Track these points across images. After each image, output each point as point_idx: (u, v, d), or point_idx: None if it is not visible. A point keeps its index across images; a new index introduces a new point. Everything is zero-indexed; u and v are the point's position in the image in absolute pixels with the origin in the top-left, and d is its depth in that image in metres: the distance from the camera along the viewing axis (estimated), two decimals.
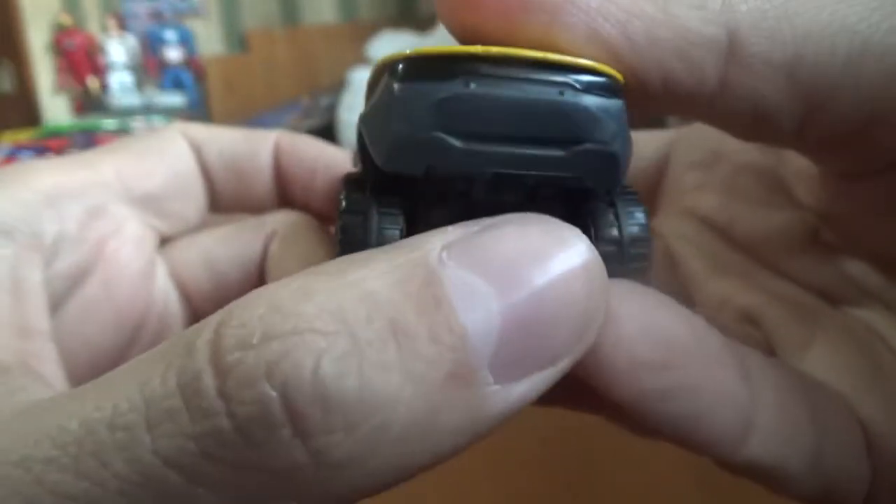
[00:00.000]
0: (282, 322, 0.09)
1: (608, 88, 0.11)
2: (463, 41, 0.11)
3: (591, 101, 0.10)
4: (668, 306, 0.13)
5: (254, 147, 0.22)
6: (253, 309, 0.10)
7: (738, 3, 0.11)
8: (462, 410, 0.10)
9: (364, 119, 0.11)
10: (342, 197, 0.12)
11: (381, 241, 0.11)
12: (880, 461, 0.15)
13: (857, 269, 0.17)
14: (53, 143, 1.43)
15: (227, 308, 0.10)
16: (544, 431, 0.31)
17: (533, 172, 0.11)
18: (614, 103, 0.11)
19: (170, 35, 1.69)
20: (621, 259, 0.12)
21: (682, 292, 0.20)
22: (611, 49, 0.11)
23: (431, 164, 0.10)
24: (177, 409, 0.09)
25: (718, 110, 0.12)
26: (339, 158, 0.22)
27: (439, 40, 1.16)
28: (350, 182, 0.12)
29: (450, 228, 0.11)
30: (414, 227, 0.12)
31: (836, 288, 0.17)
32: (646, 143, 0.22)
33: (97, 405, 0.10)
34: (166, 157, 0.21)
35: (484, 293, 0.10)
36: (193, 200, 0.22)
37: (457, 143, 0.10)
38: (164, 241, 0.22)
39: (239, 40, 1.84)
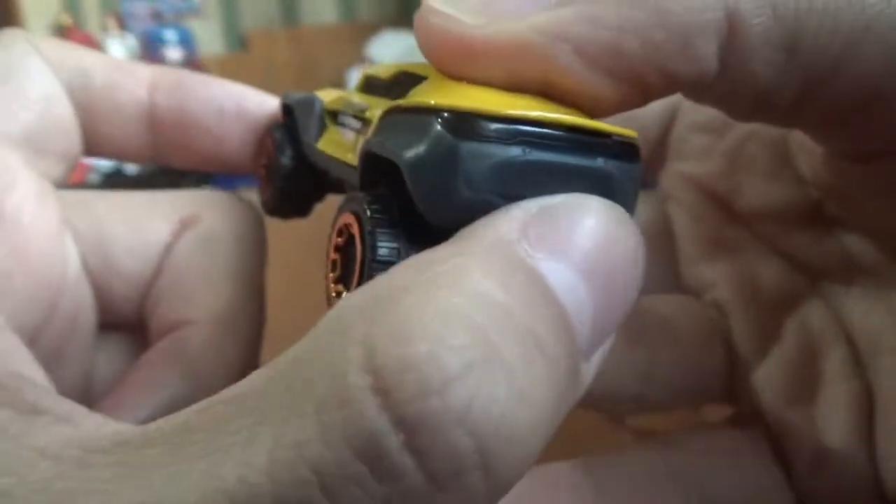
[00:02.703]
0: (456, 359, 0.09)
1: (631, 153, 0.12)
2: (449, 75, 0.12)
3: (618, 168, 0.11)
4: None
5: (116, 79, 0.18)
6: (408, 345, 0.09)
7: None
8: (572, 395, 0.10)
9: (414, 167, 0.11)
10: (371, 232, 0.11)
11: None
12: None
13: (855, 244, 0.17)
14: None
15: (359, 339, 0.09)
16: None
17: None
18: (636, 167, 0.12)
19: (170, 35, 1.69)
20: None
21: (670, 266, 0.20)
22: (609, 71, 0.11)
23: (473, 219, 0.11)
24: (359, 474, 0.09)
25: (717, 93, 0.12)
26: (252, 97, 0.19)
27: None
28: (374, 209, 0.12)
29: (513, 211, 0.10)
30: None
31: (828, 264, 0.17)
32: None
33: (239, 476, 0.09)
34: (32, 81, 0.17)
35: (577, 285, 0.10)
36: (72, 134, 0.18)
37: (501, 203, 0.11)
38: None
39: (239, 40, 1.84)
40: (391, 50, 1.22)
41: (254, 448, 0.09)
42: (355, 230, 0.12)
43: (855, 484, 0.16)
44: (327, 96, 0.17)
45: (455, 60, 0.11)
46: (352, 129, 0.14)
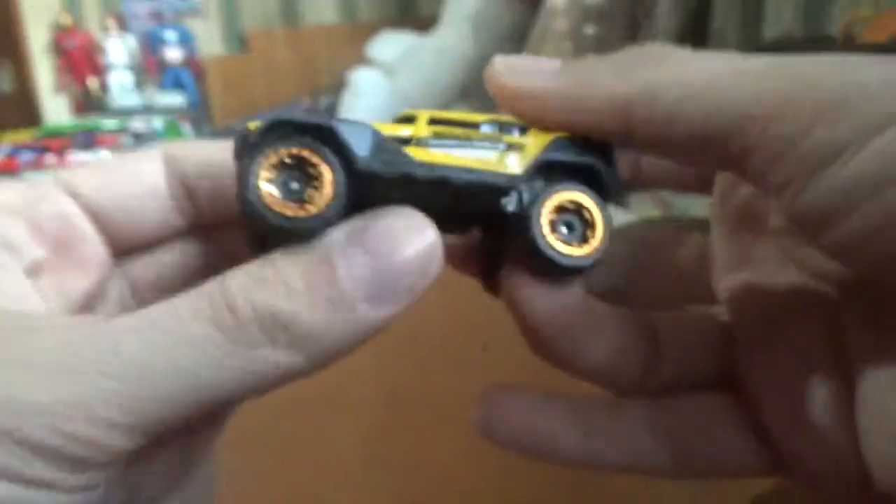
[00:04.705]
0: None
1: (610, 155, 0.20)
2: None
3: (603, 165, 0.20)
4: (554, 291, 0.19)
5: (226, 154, 0.22)
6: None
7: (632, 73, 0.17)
8: (348, 323, 0.17)
9: (588, 167, 0.19)
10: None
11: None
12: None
13: None
14: (53, 143, 1.42)
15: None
16: None
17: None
18: (614, 165, 0.20)
19: (170, 35, 1.69)
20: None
21: (703, 272, 0.24)
22: (585, 114, 0.19)
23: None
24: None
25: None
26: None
27: (439, 40, 1.16)
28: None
29: (354, 221, 0.18)
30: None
31: (840, 275, 0.20)
32: None
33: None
34: (132, 172, 0.22)
35: (362, 261, 0.17)
36: (154, 212, 0.23)
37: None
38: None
39: (239, 40, 1.84)
40: (391, 50, 1.22)
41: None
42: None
43: (834, 462, 0.18)
44: (385, 129, 0.19)
45: (499, 96, 0.20)
46: (488, 149, 0.19)
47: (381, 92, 1.14)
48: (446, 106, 1.15)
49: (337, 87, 1.37)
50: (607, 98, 0.18)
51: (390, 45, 1.25)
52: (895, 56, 0.14)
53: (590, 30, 0.91)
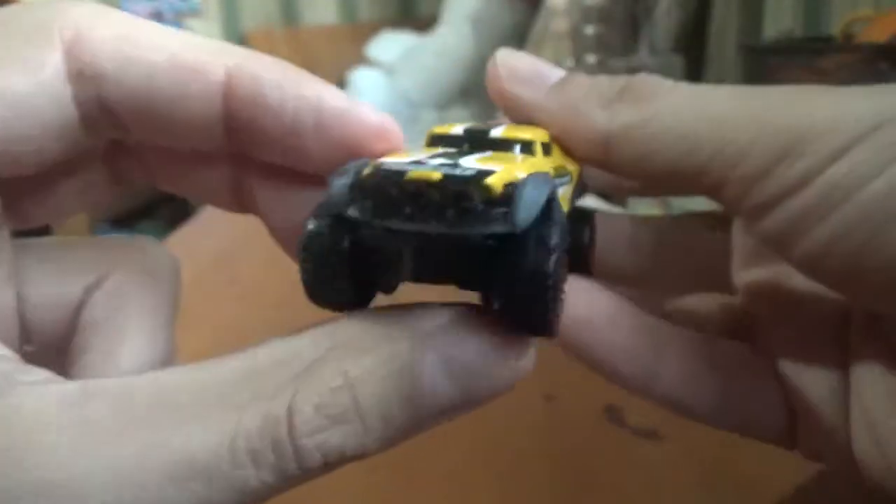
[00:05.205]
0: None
1: (569, 174, 0.20)
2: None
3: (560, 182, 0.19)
4: (601, 296, 0.20)
5: (183, 87, 0.17)
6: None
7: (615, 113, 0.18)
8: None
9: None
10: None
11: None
12: (802, 413, 0.20)
13: None
14: None
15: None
16: (547, 433, 0.31)
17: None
18: (568, 179, 0.20)
19: None
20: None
21: (722, 271, 0.24)
22: (568, 135, 0.19)
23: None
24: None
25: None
26: (338, 108, 0.17)
27: (439, 40, 1.16)
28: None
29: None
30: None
31: None
32: None
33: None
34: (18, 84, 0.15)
35: (451, 394, 0.15)
36: (38, 145, 0.16)
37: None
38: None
39: (239, 40, 1.84)
40: (391, 50, 1.22)
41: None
42: None
43: (832, 451, 0.20)
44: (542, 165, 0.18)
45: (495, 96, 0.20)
46: (566, 183, 0.19)
47: (381, 92, 1.14)
48: (446, 106, 1.15)
49: (337, 87, 1.37)
50: (588, 132, 0.18)
51: (390, 45, 1.25)
52: (847, 85, 0.16)
53: (590, 30, 0.91)
